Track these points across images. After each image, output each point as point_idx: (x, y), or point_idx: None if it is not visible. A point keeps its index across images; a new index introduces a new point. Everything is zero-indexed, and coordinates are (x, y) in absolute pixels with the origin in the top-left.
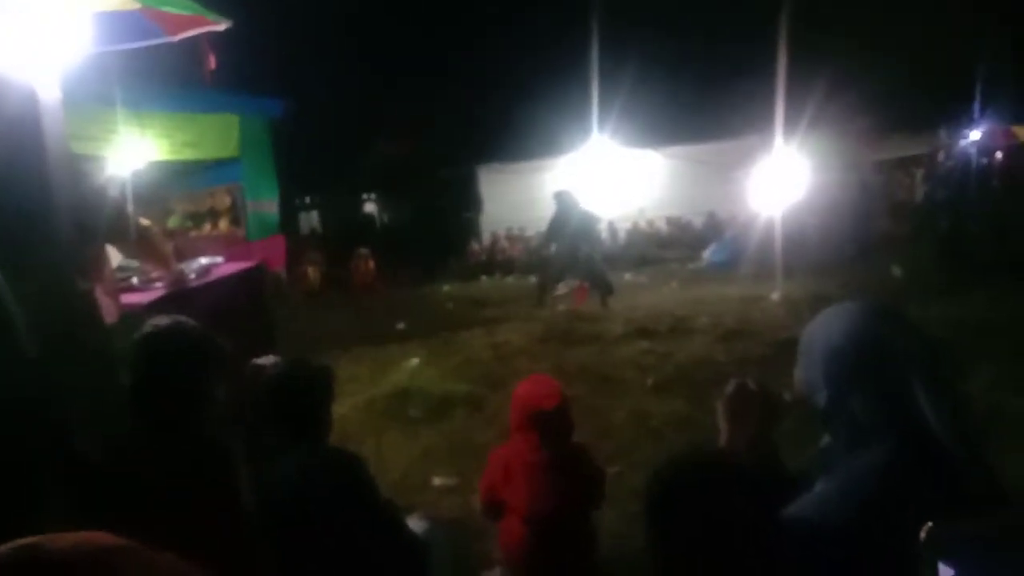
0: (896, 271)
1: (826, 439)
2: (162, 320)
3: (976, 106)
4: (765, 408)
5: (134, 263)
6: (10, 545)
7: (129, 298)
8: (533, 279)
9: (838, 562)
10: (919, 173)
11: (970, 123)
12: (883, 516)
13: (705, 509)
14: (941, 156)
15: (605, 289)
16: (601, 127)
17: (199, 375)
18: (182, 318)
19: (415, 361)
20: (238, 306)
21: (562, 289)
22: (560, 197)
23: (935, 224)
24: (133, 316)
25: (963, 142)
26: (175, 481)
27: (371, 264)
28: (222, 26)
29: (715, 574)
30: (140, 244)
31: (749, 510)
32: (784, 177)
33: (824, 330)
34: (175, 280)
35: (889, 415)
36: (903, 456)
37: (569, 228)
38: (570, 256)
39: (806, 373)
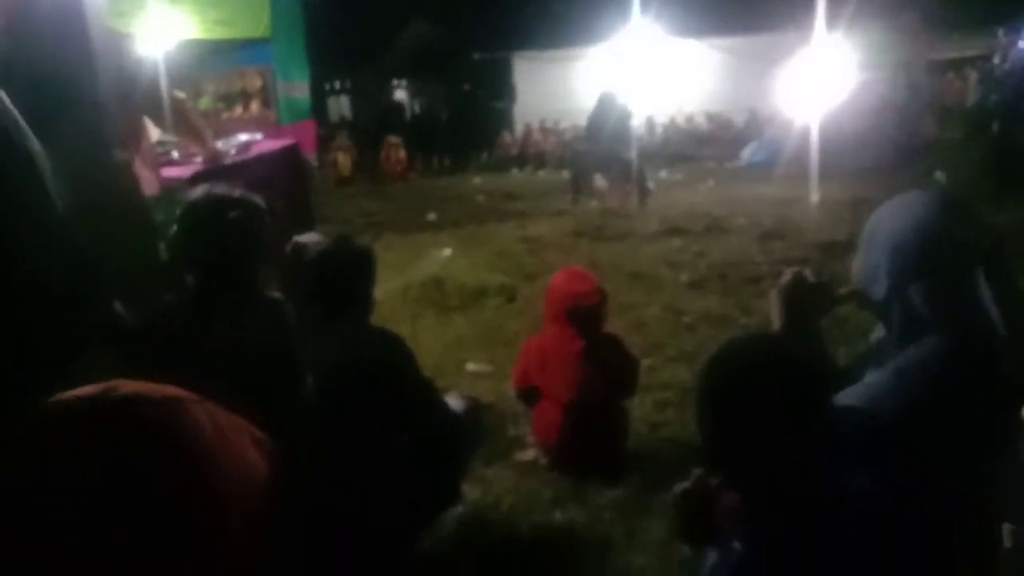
0: (939, 176)
1: (876, 333)
2: (211, 188)
3: None
4: (820, 300)
5: (173, 138)
6: (88, 387)
7: (170, 171)
8: (566, 174)
9: (891, 449)
10: (973, 75)
11: None
12: (937, 404)
13: (763, 391)
14: (997, 58)
15: (644, 191)
16: (642, 13)
17: (249, 240)
18: (228, 187)
19: (447, 251)
20: (278, 183)
21: (598, 182)
22: (603, 97)
23: (986, 130)
24: (174, 189)
25: (1022, 44)
26: (224, 343)
27: (401, 153)
28: None
29: (761, 456)
30: (176, 117)
31: (803, 396)
32: (829, 74)
33: (888, 219)
34: (213, 155)
35: (949, 306)
36: (959, 346)
37: (608, 128)
38: (607, 154)
39: (867, 262)
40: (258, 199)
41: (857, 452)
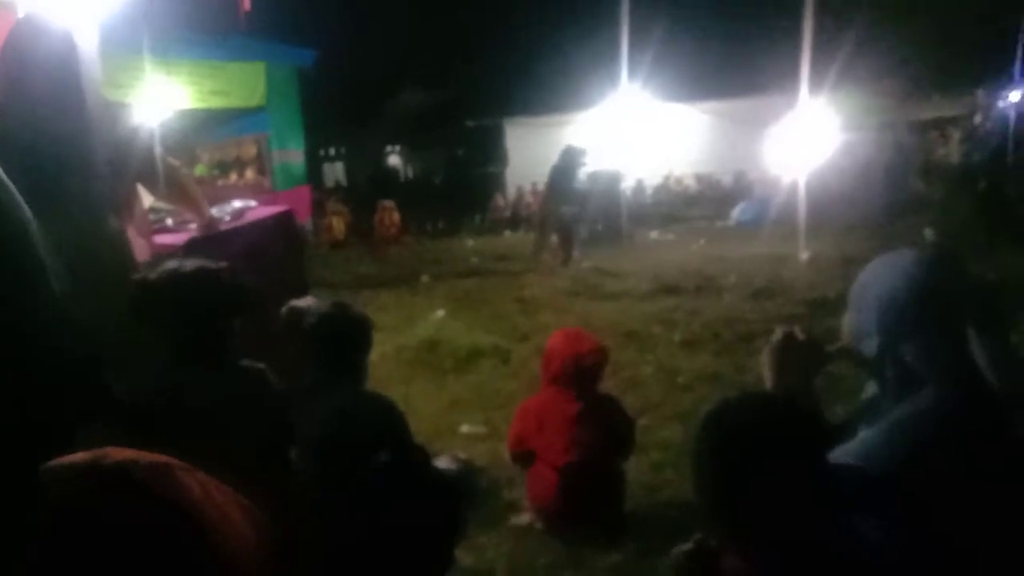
0: (929, 233)
1: (869, 390)
2: (178, 262)
3: (1016, 67)
4: (811, 357)
5: (167, 205)
6: (78, 455)
7: (163, 239)
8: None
9: (880, 507)
10: (956, 134)
11: (1009, 84)
12: (930, 460)
13: (762, 449)
14: (979, 118)
15: (567, 252)
16: (630, 79)
17: (217, 312)
18: (199, 260)
19: (441, 313)
20: (272, 249)
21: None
22: (564, 151)
23: (972, 186)
24: (167, 256)
25: (1002, 104)
26: (203, 415)
27: (395, 216)
28: None
29: (764, 514)
30: (170, 185)
31: (801, 453)
32: (816, 136)
33: (878, 276)
34: (208, 222)
35: (941, 360)
36: (952, 401)
37: (570, 183)
38: (554, 211)
39: (857, 319)
40: (229, 269)
41: (855, 508)
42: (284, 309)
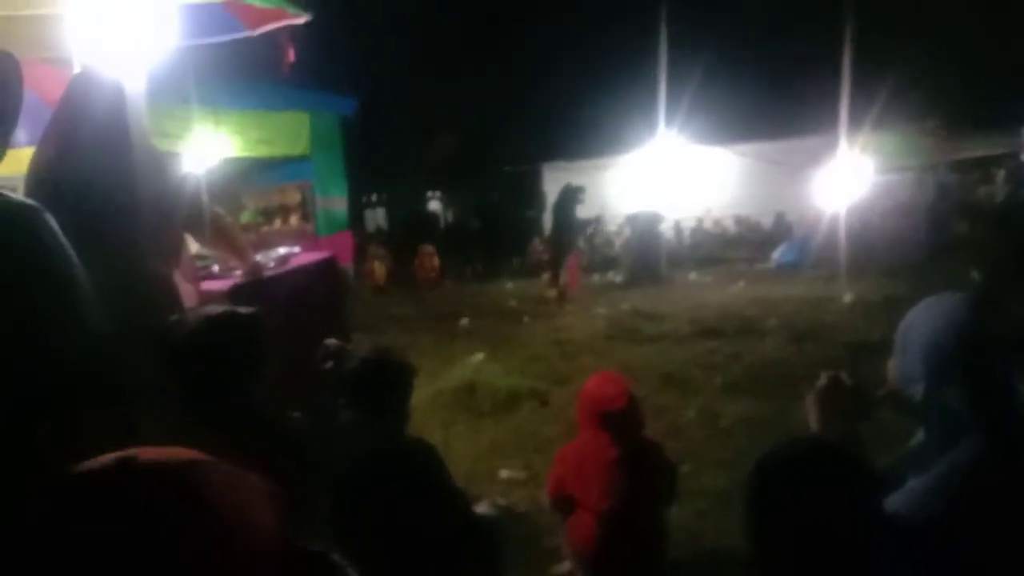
0: (976, 275)
1: (918, 437)
2: (210, 310)
3: None
4: (858, 403)
5: (212, 253)
6: (100, 458)
7: (209, 284)
8: (596, 278)
9: (933, 558)
10: (1000, 174)
11: None
12: (979, 512)
13: (810, 497)
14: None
15: (562, 291)
16: (668, 123)
17: (243, 362)
18: (230, 307)
19: (479, 356)
20: (314, 295)
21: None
22: (561, 190)
23: (1017, 227)
24: (213, 301)
25: None
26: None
27: (435, 261)
28: (302, 19)
29: (814, 562)
30: (216, 233)
31: (851, 501)
32: (856, 177)
33: (923, 320)
34: (252, 269)
35: (987, 408)
36: (1000, 450)
37: (568, 220)
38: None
39: (903, 364)
40: (254, 314)
41: (905, 559)
42: (321, 349)
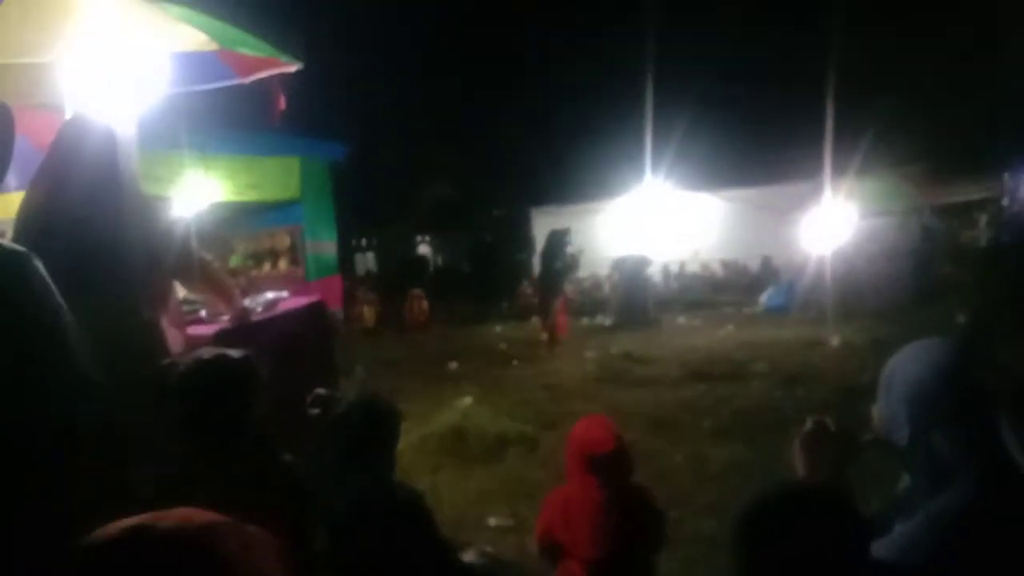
0: (960, 318)
1: (904, 482)
2: (202, 353)
3: None
4: (844, 448)
5: (200, 297)
6: (118, 525)
7: (196, 330)
8: (585, 320)
9: None
10: (983, 218)
11: None
12: (966, 558)
13: (799, 544)
14: (1006, 200)
15: (552, 335)
16: (655, 169)
17: (237, 404)
18: (219, 349)
19: (468, 400)
20: (303, 339)
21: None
22: (548, 235)
23: (1001, 270)
24: (200, 346)
25: None
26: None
27: (424, 304)
28: (294, 68)
29: None
30: (204, 278)
31: (842, 547)
32: (842, 221)
33: (906, 365)
34: (240, 314)
35: (973, 453)
36: (986, 496)
37: (555, 264)
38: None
39: (887, 410)
40: (245, 357)
41: None
42: (310, 397)
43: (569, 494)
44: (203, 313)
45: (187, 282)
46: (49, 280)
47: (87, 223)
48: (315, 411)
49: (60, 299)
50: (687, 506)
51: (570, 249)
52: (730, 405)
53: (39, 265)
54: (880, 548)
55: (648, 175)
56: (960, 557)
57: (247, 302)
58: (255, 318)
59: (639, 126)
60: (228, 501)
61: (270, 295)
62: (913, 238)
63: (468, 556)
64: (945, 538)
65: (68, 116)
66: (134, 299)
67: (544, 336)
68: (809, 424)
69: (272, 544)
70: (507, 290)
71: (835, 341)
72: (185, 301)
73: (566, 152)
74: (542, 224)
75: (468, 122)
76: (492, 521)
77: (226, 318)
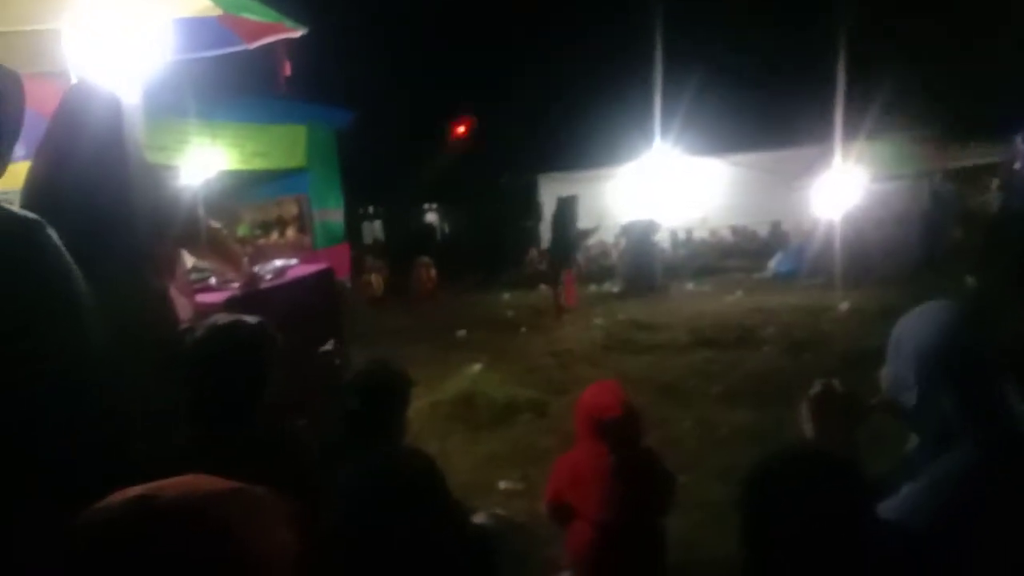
0: (971, 282)
1: (912, 444)
2: (219, 319)
3: None
4: (851, 411)
5: (208, 265)
6: (120, 496)
7: (206, 297)
8: (593, 287)
9: (927, 563)
10: (994, 182)
11: None
12: (972, 517)
13: (807, 507)
14: (1018, 164)
15: (559, 303)
16: (664, 135)
17: (254, 371)
18: (237, 316)
19: (477, 367)
20: (312, 306)
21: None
22: (557, 202)
23: (1011, 235)
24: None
25: None
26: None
27: (432, 272)
28: (299, 33)
29: (810, 568)
30: (211, 246)
31: (847, 508)
32: (852, 186)
33: (914, 328)
34: (249, 281)
35: (979, 414)
36: (992, 457)
37: (566, 231)
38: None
39: (896, 371)
40: (261, 324)
41: (895, 566)
42: (319, 354)
43: (578, 458)
44: (212, 281)
45: (194, 250)
46: (63, 248)
47: (93, 191)
48: (336, 362)
49: (74, 267)
50: (696, 470)
51: (587, 223)
52: (738, 371)
53: (52, 233)
54: (886, 509)
55: (657, 140)
56: (963, 518)
57: (256, 269)
58: (264, 285)
59: (648, 92)
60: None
61: (279, 262)
62: (923, 203)
63: (479, 519)
64: (949, 499)
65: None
66: (142, 268)
67: (554, 304)
68: (817, 387)
69: (281, 508)
70: (514, 258)
71: (844, 306)
72: (194, 269)
73: (574, 118)
74: (549, 191)
75: (475, 88)
76: (502, 485)
77: (236, 285)
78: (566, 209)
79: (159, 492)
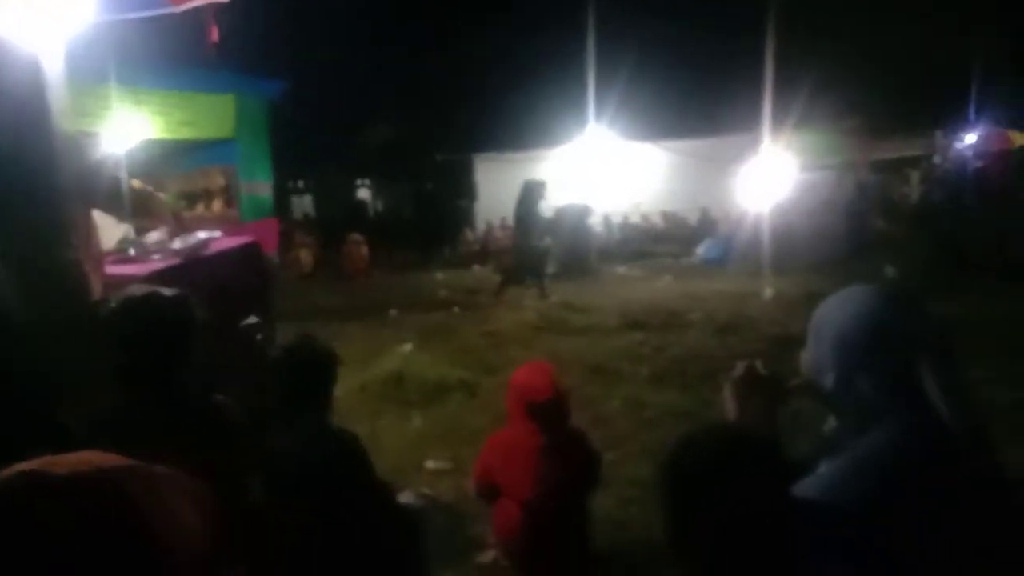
0: (889, 271)
1: (830, 424)
2: (136, 290)
3: (972, 109)
4: (772, 392)
5: (134, 236)
6: (8, 471)
7: (126, 269)
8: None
9: (844, 542)
10: (915, 174)
11: (966, 126)
12: (887, 496)
13: (726, 485)
14: (937, 158)
15: (541, 287)
16: (598, 118)
17: (173, 343)
18: (153, 288)
19: (408, 346)
20: (236, 280)
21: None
22: (524, 186)
23: (931, 225)
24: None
25: (959, 145)
26: (155, 451)
27: (364, 249)
28: None
29: (727, 550)
30: (135, 206)
31: (767, 488)
32: (779, 174)
33: (834, 311)
34: (178, 225)
35: (895, 396)
36: (908, 437)
37: (534, 217)
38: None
39: (815, 354)
40: (182, 296)
41: (816, 544)
42: (243, 326)
43: (508, 437)
44: (132, 252)
45: (119, 214)
46: None
47: (7, 155)
48: (258, 337)
49: None
50: (623, 449)
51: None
52: (666, 353)
53: None
54: (805, 487)
55: (591, 124)
56: (882, 496)
57: (177, 243)
58: (185, 258)
59: (582, 74)
60: (160, 445)
61: (202, 235)
62: (848, 193)
63: (404, 497)
64: (868, 477)
65: None
66: (59, 239)
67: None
68: (739, 368)
69: (186, 486)
70: (448, 237)
71: (769, 292)
72: (121, 240)
73: (510, 99)
74: (485, 171)
75: (412, 65)
76: (431, 464)
77: (157, 257)
78: (532, 194)
79: (50, 467)
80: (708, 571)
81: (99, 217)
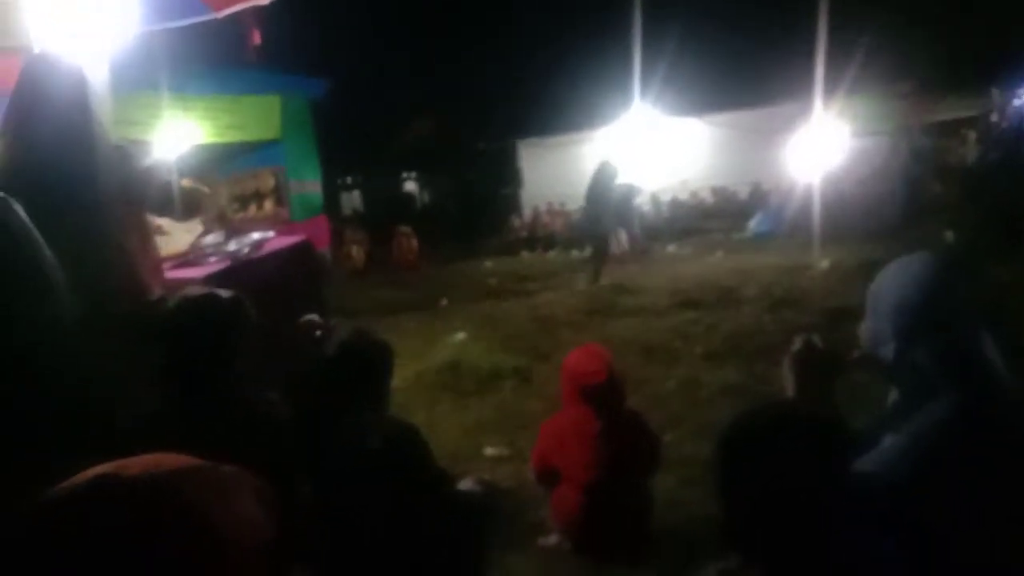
0: (948, 236)
1: (892, 398)
2: (191, 292)
3: None
4: (831, 366)
5: (211, 240)
6: (82, 476)
7: (185, 272)
8: (575, 253)
9: (909, 514)
10: (971, 135)
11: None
12: (952, 468)
13: (782, 461)
14: (995, 117)
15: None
16: (642, 96)
17: (222, 344)
18: (208, 289)
19: (461, 335)
20: (292, 280)
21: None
22: (597, 169)
23: (989, 187)
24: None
25: (1017, 103)
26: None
27: (413, 242)
28: (266, 0)
29: (787, 526)
30: (186, 204)
31: (824, 464)
32: (830, 143)
33: (891, 281)
34: (219, 220)
35: (957, 367)
36: (970, 409)
37: (610, 200)
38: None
39: (874, 325)
40: (235, 297)
41: (877, 519)
42: (299, 323)
43: (564, 422)
44: (191, 257)
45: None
46: (30, 224)
47: (54, 165)
48: (317, 334)
49: (42, 244)
50: (680, 430)
51: (580, 188)
52: (720, 331)
53: (19, 209)
54: (867, 462)
55: (636, 101)
56: (943, 469)
57: (232, 245)
58: (241, 259)
59: (624, 52)
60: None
61: (255, 235)
62: (902, 158)
63: (465, 485)
64: (929, 450)
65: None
66: (109, 244)
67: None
68: (797, 343)
69: (251, 485)
70: (495, 225)
71: (824, 264)
72: (192, 246)
73: (551, 82)
74: (528, 156)
75: (451, 54)
76: (489, 451)
77: (214, 259)
78: (605, 177)
79: (122, 470)
80: (764, 547)
81: (168, 224)
